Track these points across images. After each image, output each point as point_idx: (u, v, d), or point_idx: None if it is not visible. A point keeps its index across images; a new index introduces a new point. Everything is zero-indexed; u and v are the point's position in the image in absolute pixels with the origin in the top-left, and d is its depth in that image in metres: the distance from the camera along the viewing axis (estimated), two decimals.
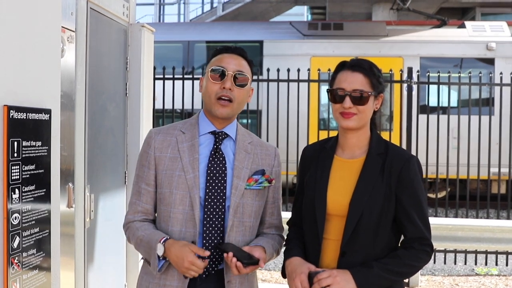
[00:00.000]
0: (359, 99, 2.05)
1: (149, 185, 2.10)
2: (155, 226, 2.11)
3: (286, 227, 2.31)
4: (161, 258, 1.98)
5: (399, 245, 2.13)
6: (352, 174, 2.10)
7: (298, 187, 2.28)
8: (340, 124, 2.11)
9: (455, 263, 6.59)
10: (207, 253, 1.95)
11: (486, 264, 6.37)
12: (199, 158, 2.05)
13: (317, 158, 2.18)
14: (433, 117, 6.63)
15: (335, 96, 2.09)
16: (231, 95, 2.06)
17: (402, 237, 2.13)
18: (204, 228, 2.02)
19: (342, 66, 2.13)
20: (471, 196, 7.91)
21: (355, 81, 2.06)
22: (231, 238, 2.03)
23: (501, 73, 6.67)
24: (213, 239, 2.03)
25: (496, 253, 6.19)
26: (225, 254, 1.94)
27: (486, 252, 6.21)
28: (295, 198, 2.29)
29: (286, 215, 2.35)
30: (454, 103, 8.69)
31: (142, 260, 2.15)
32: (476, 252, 6.25)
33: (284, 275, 2.16)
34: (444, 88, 7.33)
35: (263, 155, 2.16)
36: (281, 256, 2.26)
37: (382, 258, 2.03)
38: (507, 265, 6.31)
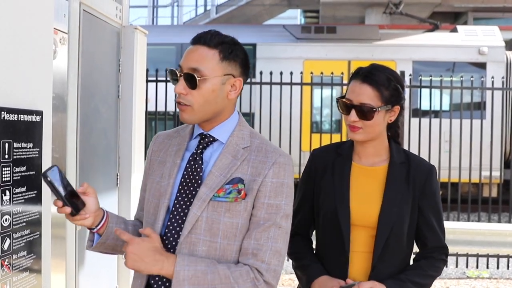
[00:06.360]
0: (365, 114, 1.91)
1: (144, 191, 1.89)
2: (138, 224, 1.90)
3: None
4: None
5: (419, 253, 2.09)
6: (376, 183, 2.00)
7: (304, 194, 2.12)
8: (349, 135, 1.99)
9: (446, 266, 6.61)
10: None
11: (477, 267, 6.39)
12: (179, 164, 1.73)
13: (332, 164, 2.05)
14: (425, 121, 6.65)
15: (343, 107, 1.97)
16: (184, 101, 1.64)
17: (417, 246, 2.12)
18: (164, 242, 1.68)
19: (356, 74, 1.97)
20: (462, 200, 7.93)
21: (362, 94, 1.91)
22: (184, 257, 1.60)
23: (492, 77, 6.72)
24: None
25: (487, 256, 6.21)
26: None
27: (477, 255, 6.23)
28: (298, 205, 2.11)
29: None
30: (446, 107, 8.72)
31: None
32: (467, 255, 6.27)
33: None
34: (436, 92, 7.35)
35: (256, 162, 1.67)
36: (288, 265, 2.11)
37: (407, 270, 2.00)
38: (498, 268, 6.33)
